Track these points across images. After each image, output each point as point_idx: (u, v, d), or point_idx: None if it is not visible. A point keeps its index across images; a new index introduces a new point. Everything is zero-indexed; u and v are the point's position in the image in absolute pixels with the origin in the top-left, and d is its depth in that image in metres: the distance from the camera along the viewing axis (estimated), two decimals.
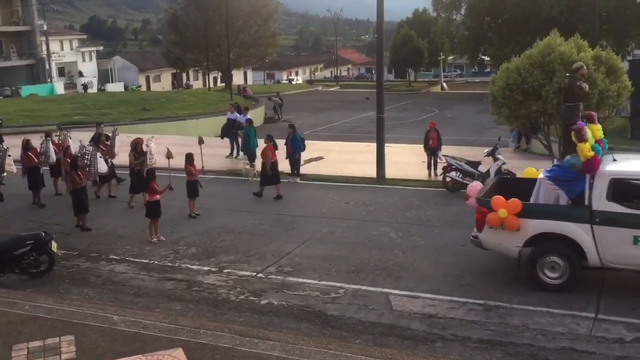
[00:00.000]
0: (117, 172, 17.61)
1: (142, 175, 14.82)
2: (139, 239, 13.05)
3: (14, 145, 17.79)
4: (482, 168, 16.63)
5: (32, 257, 10.62)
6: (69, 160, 15.25)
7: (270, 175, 16.31)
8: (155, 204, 12.95)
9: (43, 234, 10.83)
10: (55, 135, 17.32)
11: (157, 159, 15.72)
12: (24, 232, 11.81)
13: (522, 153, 23.02)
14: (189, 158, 14.72)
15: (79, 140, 16.67)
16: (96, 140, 16.94)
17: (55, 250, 10.86)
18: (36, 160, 16.13)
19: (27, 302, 8.34)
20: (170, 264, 11.54)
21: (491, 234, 10.17)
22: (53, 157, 16.48)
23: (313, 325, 8.83)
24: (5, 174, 15.68)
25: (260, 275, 10.90)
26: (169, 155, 14.70)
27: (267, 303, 9.68)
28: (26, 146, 16.18)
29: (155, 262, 11.62)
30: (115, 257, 11.98)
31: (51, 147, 16.58)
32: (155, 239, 12.79)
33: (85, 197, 13.83)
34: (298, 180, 18.45)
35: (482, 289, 10.08)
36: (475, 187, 11.68)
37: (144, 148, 15.67)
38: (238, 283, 10.53)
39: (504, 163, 16.36)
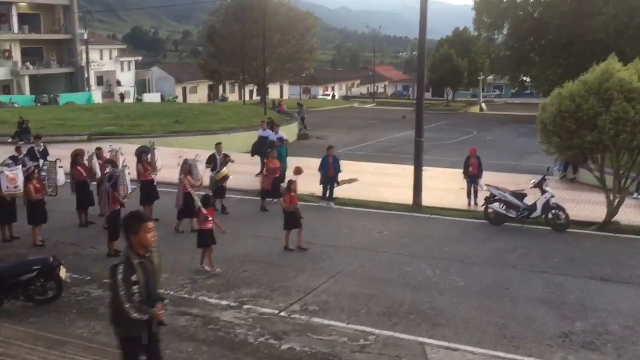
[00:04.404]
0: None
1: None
2: None
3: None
4: (528, 200, 15.46)
5: (39, 283, 9.84)
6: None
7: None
8: (205, 233, 11.84)
9: (51, 258, 10.03)
10: (108, 151, 16.41)
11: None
12: (31, 256, 11.02)
13: (568, 183, 21.67)
14: None
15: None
16: (138, 158, 15.57)
17: (63, 277, 10.07)
18: (85, 175, 15.22)
19: None
20: (186, 296, 10.66)
21: None
22: (98, 173, 15.39)
23: None
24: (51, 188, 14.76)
25: (282, 314, 9.94)
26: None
27: (288, 348, 8.70)
28: (75, 159, 15.19)
29: (171, 293, 10.74)
30: None
31: (96, 163, 15.50)
32: (207, 268, 11.80)
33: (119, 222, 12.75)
34: (333, 205, 17.40)
35: (529, 343, 8.98)
36: None
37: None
38: (258, 322, 9.58)
39: (552, 196, 15.17)
